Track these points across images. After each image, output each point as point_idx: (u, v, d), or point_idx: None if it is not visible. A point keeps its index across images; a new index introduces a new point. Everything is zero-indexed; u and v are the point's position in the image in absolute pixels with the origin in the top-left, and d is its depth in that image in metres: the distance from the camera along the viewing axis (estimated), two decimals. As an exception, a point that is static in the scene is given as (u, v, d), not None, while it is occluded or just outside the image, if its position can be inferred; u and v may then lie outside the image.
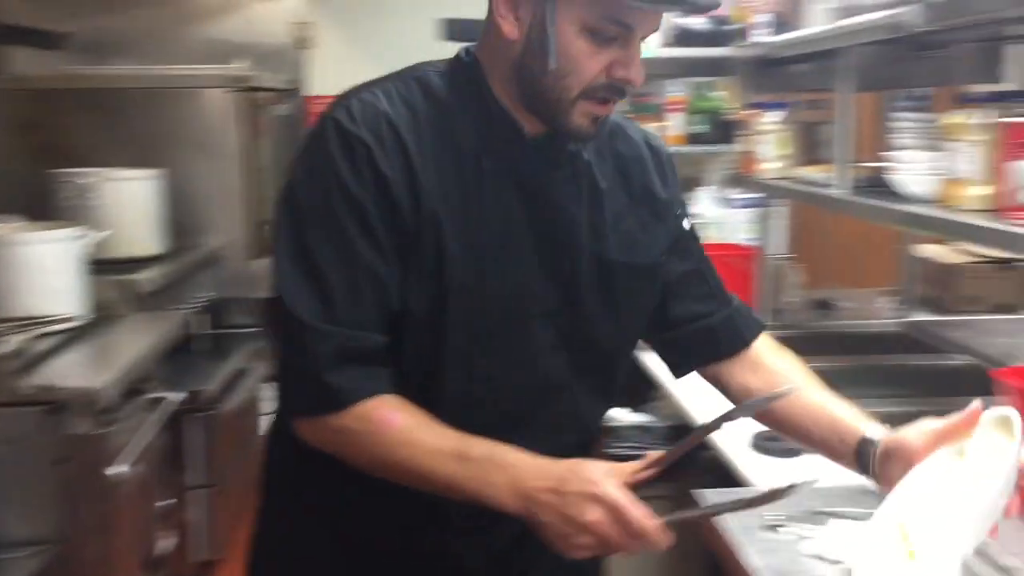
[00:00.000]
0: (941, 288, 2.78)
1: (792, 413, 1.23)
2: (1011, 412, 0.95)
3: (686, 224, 1.29)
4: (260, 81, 3.55)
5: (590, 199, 1.18)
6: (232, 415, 2.87)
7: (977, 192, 1.51)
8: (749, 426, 1.75)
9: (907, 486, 1.06)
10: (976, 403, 1.02)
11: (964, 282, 2.71)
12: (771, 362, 1.29)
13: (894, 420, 2.00)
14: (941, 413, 1.91)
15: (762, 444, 1.71)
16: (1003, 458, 0.99)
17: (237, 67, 3.43)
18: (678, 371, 1.35)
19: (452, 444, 1.06)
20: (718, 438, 1.77)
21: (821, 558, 1.27)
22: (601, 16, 1.04)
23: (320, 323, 1.06)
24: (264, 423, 3.70)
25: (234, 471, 2.87)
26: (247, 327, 3.22)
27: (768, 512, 1.40)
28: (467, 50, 1.16)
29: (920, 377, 2.23)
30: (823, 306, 2.83)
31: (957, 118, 1.57)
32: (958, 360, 2.32)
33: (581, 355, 1.19)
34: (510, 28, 1.08)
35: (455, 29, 2.93)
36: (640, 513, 1.01)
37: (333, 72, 4.59)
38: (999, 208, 1.45)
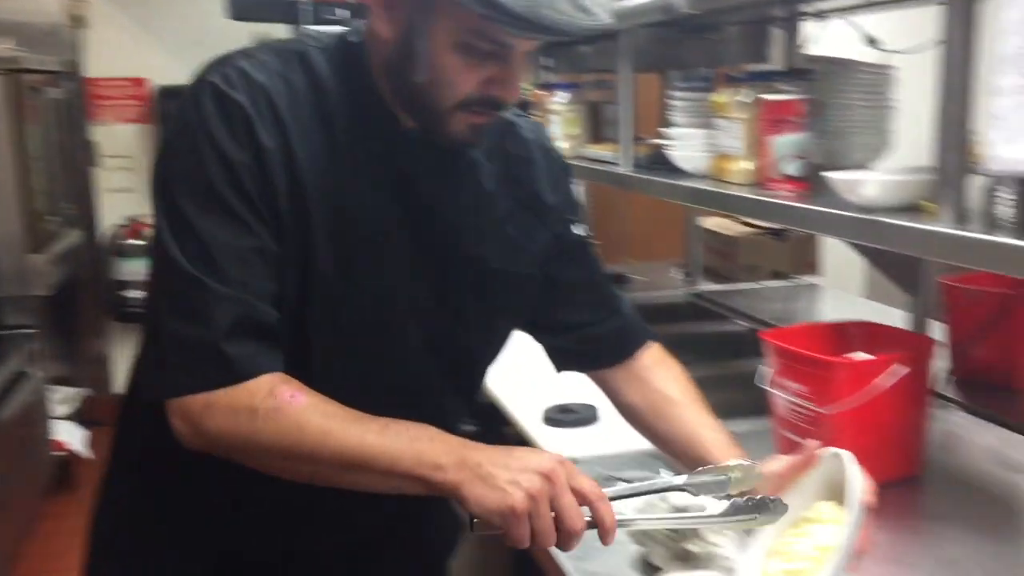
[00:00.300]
0: (723, 258, 2.95)
1: (671, 436, 1.22)
2: (842, 452, 1.00)
3: (577, 231, 1.24)
4: (29, 63, 3.29)
5: (474, 201, 1.12)
6: (11, 423, 2.67)
7: (742, 167, 1.61)
8: (541, 400, 1.80)
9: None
10: (811, 442, 1.05)
11: (742, 252, 2.88)
12: (652, 377, 1.26)
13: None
14: (726, 375, 2.05)
15: (554, 417, 1.75)
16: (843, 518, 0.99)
17: (2, 47, 3.17)
18: (559, 369, 1.33)
19: (367, 419, 0.97)
20: (514, 413, 1.80)
21: (610, 522, 1.31)
22: (475, 33, 0.97)
23: (220, 286, 0.96)
24: (52, 428, 3.47)
25: (17, 483, 2.68)
26: (24, 327, 3.00)
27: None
28: (356, 31, 1.09)
29: (706, 343, 2.36)
30: (616, 280, 2.94)
31: (723, 97, 1.65)
32: (740, 325, 2.48)
33: (451, 359, 1.15)
34: (383, 26, 1.02)
35: (240, 7, 2.82)
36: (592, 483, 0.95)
37: (112, 53, 4.34)
38: (760, 181, 1.55)
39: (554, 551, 1.22)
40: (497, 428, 2.03)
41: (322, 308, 1.03)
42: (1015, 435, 1.57)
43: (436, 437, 0.95)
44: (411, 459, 0.93)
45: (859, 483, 0.93)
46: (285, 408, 0.95)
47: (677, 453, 1.21)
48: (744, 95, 1.61)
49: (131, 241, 4.26)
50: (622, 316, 1.29)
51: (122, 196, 4.38)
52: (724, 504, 1.01)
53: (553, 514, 0.91)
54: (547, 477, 0.91)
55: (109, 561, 1.20)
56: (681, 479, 1.01)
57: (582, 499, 0.93)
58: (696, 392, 1.24)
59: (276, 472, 0.98)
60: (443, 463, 0.93)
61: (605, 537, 0.94)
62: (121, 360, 4.39)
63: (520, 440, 1.78)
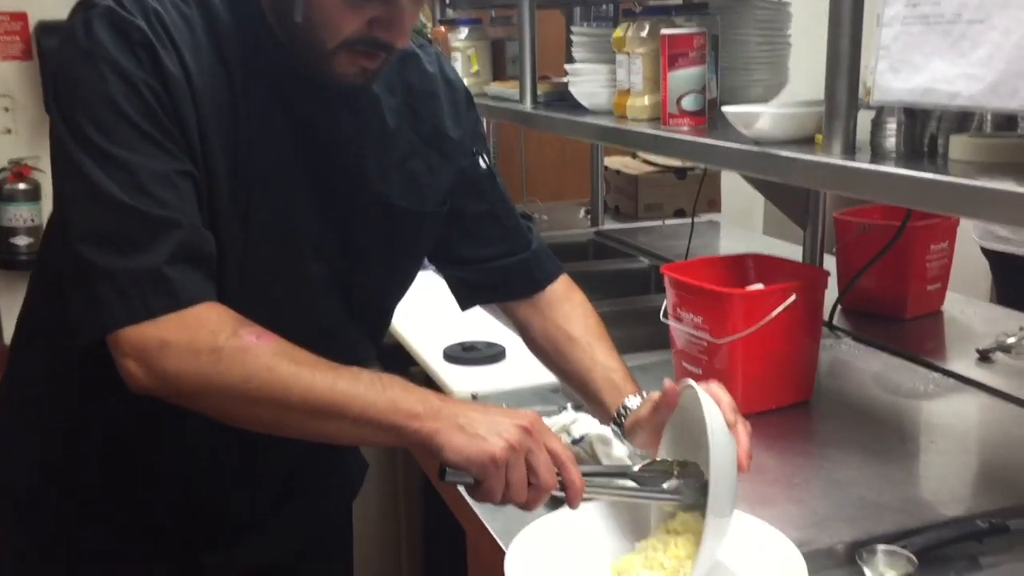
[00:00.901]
0: (627, 197, 2.98)
1: (569, 374, 1.22)
2: (691, 383, 1.00)
3: (482, 164, 1.23)
4: None
5: (376, 138, 1.09)
6: None
7: (642, 102, 1.61)
8: (441, 338, 1.80)
9: None
10: (666, 383, 1.04)
11: (644, 191, 2.91)
12: (556, 314, 1.25)
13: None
14: (628, 311, 2.08)
15: (454, 355, 1.75)
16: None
17: None
18: (464, 304, 1.31)
19: (338, 366, 0.92)
20: (418, 352, 1.80)
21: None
22: None
23: (159, 211, 0.91)
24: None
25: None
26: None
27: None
28: None
29: (609, 280, 2.39)
30: (523, 219, 2.94)
31: (622, 31, 1.65)
32: (641, 262, 2.51)
33: (356, 298, 1.13)
34: None
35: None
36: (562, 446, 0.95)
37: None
38: (662, 116, 1.55)
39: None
40: (402, 368, 2.03)
41: (224, 251, 0.99)
42: (900, 361, 1.64)
43: (409, 387, 0.93)
44: (385, 406, 0.90)
45: (713, 411, 0.95)
46: (253, 348, 0.90)
47: (576, 390, 1.23)
48: (643, 29, 1.61)
49: (15, 185, 4.06)
50: (529, 249, 1.28)
51: (2, 138, 4.16)
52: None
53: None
54: (525, 431, 0.91)
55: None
56: (626, 466, 1.02)
57: (554, 459, 0.93)
58: (598, 328, 1.24)
59: (233, 418, 0.93)
60: (419, 411, 0.90)
61: (573, 500, 0.94)
62: (7, 310, 4.21)
63: (424, 379, 1.78)
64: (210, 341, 0.89)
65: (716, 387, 1.01)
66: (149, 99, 0.93)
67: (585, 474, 0.95)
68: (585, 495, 0.95)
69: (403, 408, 0.90)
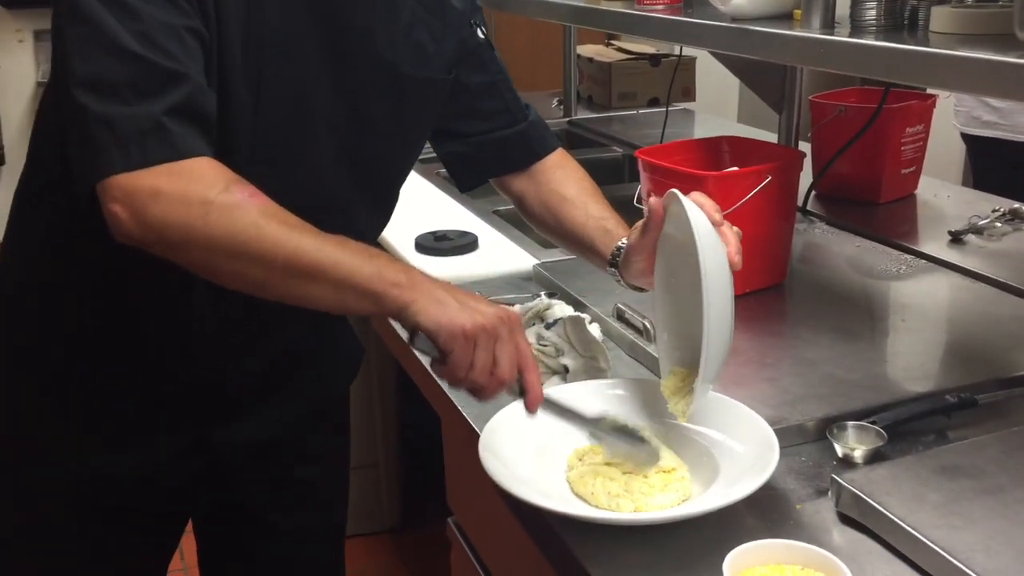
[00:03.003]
0: (600, 86, 2.92)
1: (568, 228, 1.23)
2: (675, 192, 1.00)
3: (480, 34, 1.22)
4: None
5: (384, 6, 1.08)
6: None
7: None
8: (412, 229, 1.78)
9: None
10: (652, 200, 1.05)
11: (618, 79, 2.85)
12: (551, 179, 1.26)
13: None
14: (605, 198, 2.06)
15: (426, 244, 1.73)
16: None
17: None
18: (465, 184, 1.32)
19: (324, 233, 0.91)
20: (390, 243, 1.77)
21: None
22: None
23: (167, 63, 0.89)
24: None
25: None
26: None
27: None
28: None
29: (584, 169, 2.36)
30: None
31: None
32: (615, 151, 2.48)
33: (364, 170, 1.11)
34: None
35: None
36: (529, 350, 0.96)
37: None
38: (635, -5, 1.51)
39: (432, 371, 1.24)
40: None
41: (234, 116, 0.98)
42: (873, 244, 1.64)
43: (393, 260, 0.94)
44: (369, 273, 0.90)
45: (697, 215, 0.95)
46: (244, 205, 0.89)
47: (573, 247, 1.25)
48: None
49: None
50: (527, 121, 1.28)
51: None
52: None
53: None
54: (501, 320, 0.92)
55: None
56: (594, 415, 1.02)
57: (521, 358, 0.94)
58: (592, 188, 1.27)
59: (217, 273, 0.92)
60: (401, 281, 0.90)
61: (531, 404, 0.95)
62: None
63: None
64: (202, 193, 0.88)
65: (698, 194, 1.02)
66: None
67: (549, 401, 0.97)
68: (549, 410, 0.98)
69: (387, 277, 0.90)
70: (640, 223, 1.09)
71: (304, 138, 1.06)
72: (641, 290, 1.15)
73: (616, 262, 1.14)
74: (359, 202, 1.14)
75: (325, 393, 1.29)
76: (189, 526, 1.31)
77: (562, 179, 1.27)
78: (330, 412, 1.32)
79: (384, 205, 1.22)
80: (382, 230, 1.24)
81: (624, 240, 1.13)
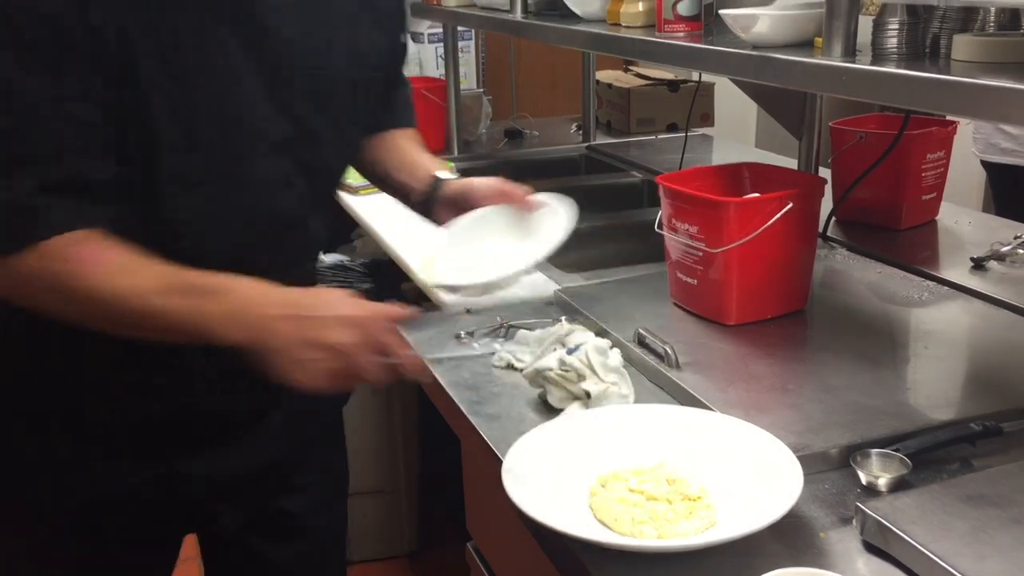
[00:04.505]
0: (619, 112, 2.93)
1: (379, 156, 1.31)
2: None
3: (405, 38, 1.27)
4: None
5: (313, 8, 1.07)
6: None
7: (636, 8, 1.57)
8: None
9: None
10: (539, 196, 1.23)
11: (638, 105, 2.87)
12: (391, 140, 1.35)
13: (580, 236, 2.12)
14: (621, 225, 2.07)
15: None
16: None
17: None
18: None
19: (171, 279, 0.96)
20: (410, 267, 1.78)
21: (510, 366, 1.33)
22: None
23: (21, 148, 0.92)
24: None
25: None
26: None
27: (459, 329, 1.45)
28: None
29: (601, 194, 2.37)
30: (512, 135, 2.90)
31: (615, -66, 1.60)
32: (634, 176, 2.49)
33: (316, 184, 1.12)
34: None
35: None
36: (395, 338, 0.99)
37: None
38: (656, 23, 1.52)
39: (457, 399, 1.24)
40: (394, 286, 2.02)
41: (165, 149, 0.97)
42: (894, 270, 1.64)
43: (232, 298, 0.97)
44: (200, 331, 0.96)
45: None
46: (77, 273, 0.94)
47: (381, 172, 1.34)
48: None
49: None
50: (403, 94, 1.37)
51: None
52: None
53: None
54: (344, 350, 0.96)
55: None
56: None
57: (387, 353, 0.98)
58: (421, 143, 1.37)
59: (57, 316, 0.99)
60: (232, 337, 0.96)
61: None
62: None
63: (417, 296, 1.77)
64: (32, 266, 0.94)
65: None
66: (53, 15, 0.90)
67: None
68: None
69: (220, 336, 0.96)
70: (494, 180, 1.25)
71: (242, 157, 1.04)
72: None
73: (435, 189, 1.25)
74: (312, 217, 1.15)
75: (308, 424, 1.28)
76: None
77: (398, 140, 1.35)
78: (316, 439, 1.31)
79: (327, 208, 1.23)
80: (327, 234, 1.25)
81: (443, 173, 1.26)
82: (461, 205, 1.25)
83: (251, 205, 1.06)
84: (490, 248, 1.26)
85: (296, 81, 1.06)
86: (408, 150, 1.34)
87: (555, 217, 1.27)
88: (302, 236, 1.10)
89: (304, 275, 1.20)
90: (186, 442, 1.15)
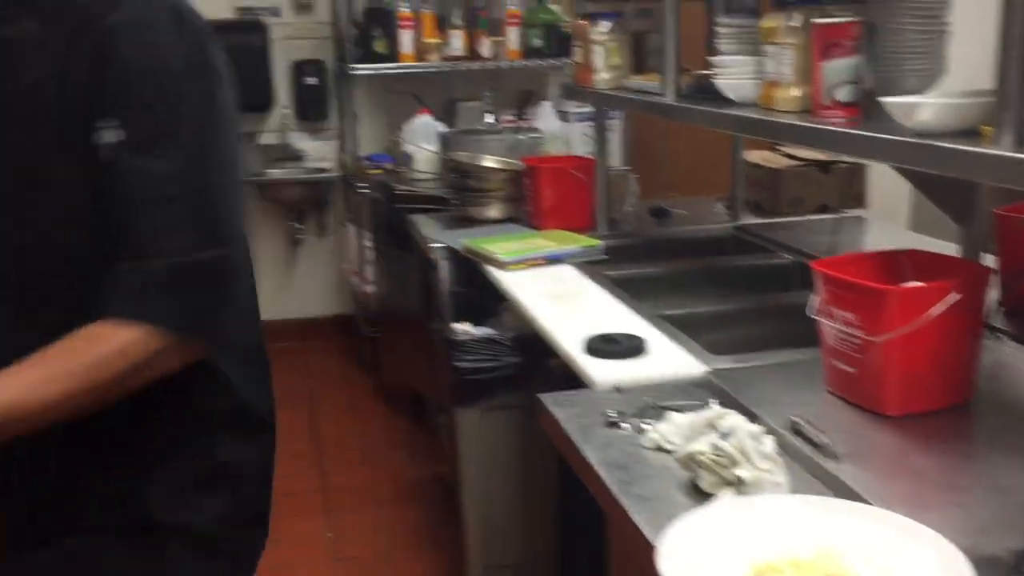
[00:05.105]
0: (767, 192, 2.92)
1: None
2: None
3: (109, 135, 1.01)
4: None
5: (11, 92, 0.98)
6: None
7: (792, 93, 1.58)
8: (579, 330, 1.81)
9: None
10: None
11: (787, 185, 2.84)
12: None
13: (725, 317, 2.10)
14: (770, 307, 2.05)
15: (597, 347, 1.75)
16: None
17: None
18: None
19: None
20: (559, 343, 1.81)
21: (659, 448, 1.33)
22: None
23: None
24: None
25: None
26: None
27: (608, 409, 1.46)
28: None
29: (749, 275, 2.35)
30: (658, 214, 2.92)
31: (773, 21, 1.62)
32: (784, 258, 2.46)
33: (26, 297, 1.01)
34: None
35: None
36: None
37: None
38: (812, 108, 1.52)
39: (606, 478, 1.25)
40: (542, 360, 2.05)
41: None
42: (1067, 365, 1.56)
43: None
44: None
45: None
46: None
47: None
48: (795, 19, 1.58)
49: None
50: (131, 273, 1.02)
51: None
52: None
53: None
54: None
55: None
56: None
57: None
58: (58, 354, 1.00)
59: None
60: None
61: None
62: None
63: (564, 371, 1.80)
64: None
65: None
66: None
67: None
68: None
69: None
70: None
71: None
72: None
73: None
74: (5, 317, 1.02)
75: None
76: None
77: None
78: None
79: (32, 317, 1.03)
80: (36, 346, 0.99)
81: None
82: None
83: None
84: None
85: None
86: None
87: None
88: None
89: None
90: None
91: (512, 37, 4.29)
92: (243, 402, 1.20)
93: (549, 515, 2.45)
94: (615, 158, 3.29)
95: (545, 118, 3.69)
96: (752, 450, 1.18)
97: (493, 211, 2.87)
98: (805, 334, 1.57)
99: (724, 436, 1.22)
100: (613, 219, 2.79)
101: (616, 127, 3.51)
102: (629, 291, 2.10)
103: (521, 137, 3.29)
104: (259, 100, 4.33)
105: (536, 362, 2.10)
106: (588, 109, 3.24)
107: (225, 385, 1.17)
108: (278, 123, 4.48)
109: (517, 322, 2.30)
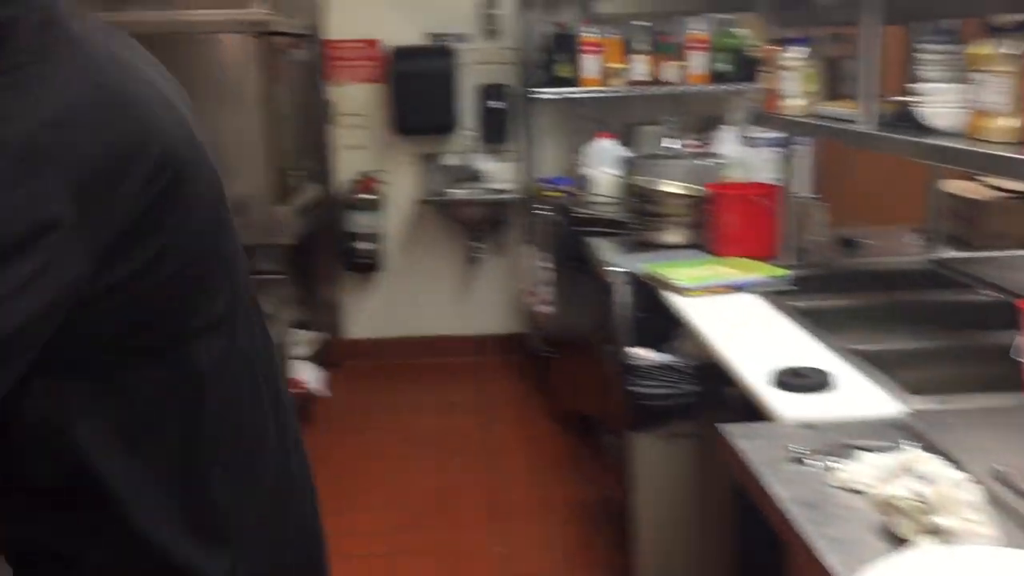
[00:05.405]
0: (967, 224, 2.76)
1: None
2: None
3: None
4: (278, 26, 3.53)
5: None
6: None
7: (1005, 124, 1.50)
8: (768, 362, 1.77)
9: None
10: None
11: (990, 218, 2.69)
12: None
13: (920, 355, 2.01)
14: (969, 347, 1.94)
15: (785, 381, 1.71)
16: None
17: (255, 11, 3.41)
18: None
19: None
20: (740, 373, 1.78)
21: (848, 488, 1.29)
22: None
23: None
24: (292, 368, 3.76)
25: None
26: (275, 273, 3.24)
27: (793, 445, 1.42)
28: None
29: (947, 312, 2.23)
30: (848, 244, 2.82)
31: (984, 48, 1.55)
32: (984, 295, 2.32)
33: None
34: None
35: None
36: None
37: (350, 16, 4.57)
38: (1027, 139, 1.44)
39: (794, 516, 1.22)
40: (719, 389, 2.02)
41: None
42: None
43: None
44: None
45: None
46: None
47: None
48: (1010, 47, 1.50)
49: (362, 195, 4.51)
50: None
51: (355, 153, 4.63)
52: None
53: None
54: None
55: None
56: None
57: None
58: None
59: None
60: None
61: None
62: (352, 306, 4.68)
63: (743, 402, 1.77)
64: None
65: None
66: None
67: None
68: None
69: None
70: None
71: None
72: None
73: None
74: None
75: None
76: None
77: None
78: None
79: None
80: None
81: None
82: None
83: None
84: None
85: None
86: None
87: None
88: None
89: None
90: None
91: (694, 62, 4.26)
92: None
93: (726, 549, 2.40)
94: (802, 186, 3.20)
95: (728, 143, 3.64)
96: (956, 498, 1.13)
97: (673, 236, 2.86)
98: (1008, 377, 1.48)
99: (922, 480, 1.17)
100: (800, 248, 2.72)
101: (803, 154, 3.41)
102: (816, 323, 2.04)
103: (703, 162, 3.26)
104: (445, 122, 4.48)
105: (712, 391, 2.07)
106: (773, 135, 3.17)
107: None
108: (462, 145, 4.61)
109: (694, 349, 2.27)
